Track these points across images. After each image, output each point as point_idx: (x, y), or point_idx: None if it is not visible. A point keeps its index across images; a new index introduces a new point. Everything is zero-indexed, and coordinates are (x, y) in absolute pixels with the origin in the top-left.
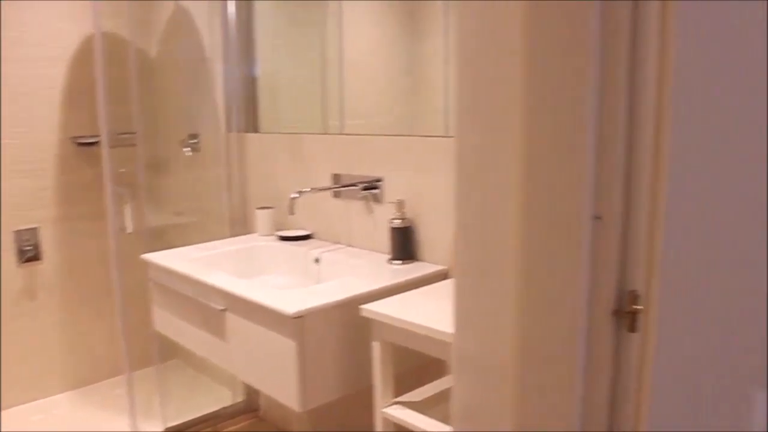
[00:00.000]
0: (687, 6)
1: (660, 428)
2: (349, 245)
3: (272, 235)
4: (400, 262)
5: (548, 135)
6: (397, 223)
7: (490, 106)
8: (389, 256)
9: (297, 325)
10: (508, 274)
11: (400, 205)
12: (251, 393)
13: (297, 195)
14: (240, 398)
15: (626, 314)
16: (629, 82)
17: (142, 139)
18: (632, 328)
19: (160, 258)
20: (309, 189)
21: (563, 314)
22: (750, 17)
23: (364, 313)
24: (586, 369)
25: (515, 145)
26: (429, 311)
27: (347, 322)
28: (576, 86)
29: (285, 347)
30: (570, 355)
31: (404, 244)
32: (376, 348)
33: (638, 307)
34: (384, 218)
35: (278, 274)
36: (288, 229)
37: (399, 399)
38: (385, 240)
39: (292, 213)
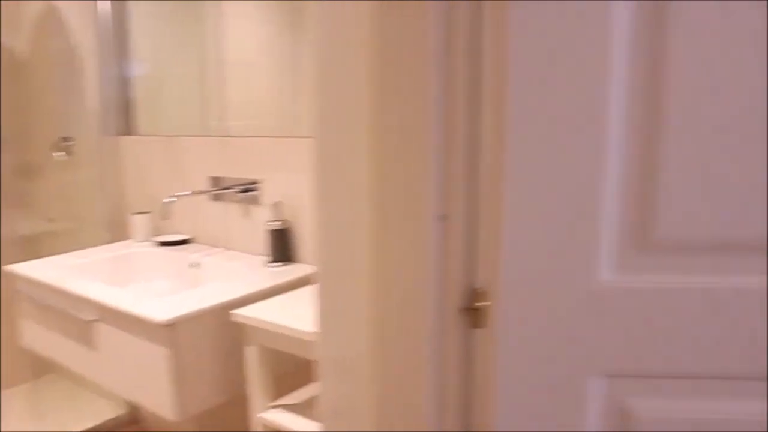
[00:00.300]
0: (521, 7)
1: (508, 418)
2: (229, 249)
3: (150, 240)
4: (279, 264)
5: (395, 138)
6: (275, 225)
7: (341, 108)
8: (268, 259)
9: (169, 332)
10: (362, 275)
11: (278, 206)
12: (133, 405)
13: (172, 199)
14: (122, 411)
15: (473, 311)
16: (470, 85)
17: (10, 143)
18: (479, 324)
19: (26, 269)
20: (187, 193)
21: (414, 313)
22: (585, 17)
23: (235, 318)
24: (437, 366)
25: (365, 147)
26: (303, 313)
27: (223, 326)
28: (420, 89)
29: (158, 356)
30: (422, 353)
31: (282, 246)
32: (251, 353)
33: (484, 303)
34: (263, 221)
35: (156, 281)
36: (167, 234)
37: (278, 402)
38: (264, 242)
39: (166, 218)
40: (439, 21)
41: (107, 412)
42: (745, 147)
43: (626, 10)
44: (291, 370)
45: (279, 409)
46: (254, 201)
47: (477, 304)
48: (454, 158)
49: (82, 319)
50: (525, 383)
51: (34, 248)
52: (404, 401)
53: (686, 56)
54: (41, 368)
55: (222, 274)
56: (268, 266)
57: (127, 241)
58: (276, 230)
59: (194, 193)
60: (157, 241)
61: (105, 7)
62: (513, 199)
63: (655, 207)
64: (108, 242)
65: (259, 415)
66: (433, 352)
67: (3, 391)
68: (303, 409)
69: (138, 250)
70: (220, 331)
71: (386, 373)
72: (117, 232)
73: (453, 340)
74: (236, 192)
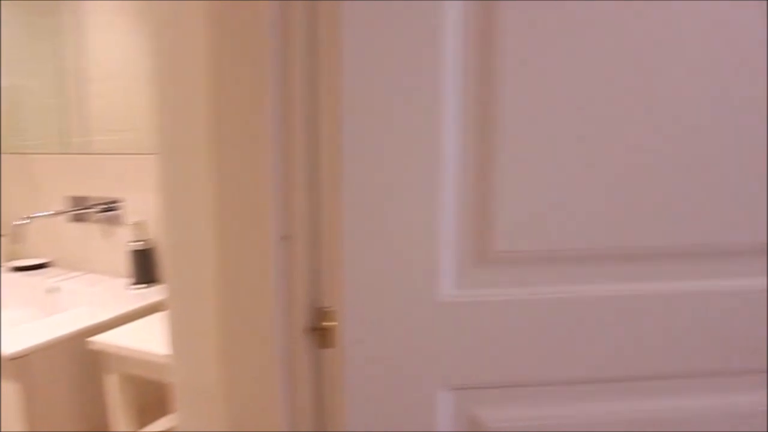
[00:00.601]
0: (353, 26)
1: None
2: (90, 272)
3: (3, 266)
4: (144, 285)
5: (235, 158)
6: (137, 245)
7: (180, 123)
8: (131, 281)
9: (18, 366)
10: (208, 297)
11: (141, 226)
12: None
13: (25, 221)
14: None
15: (320, 331)
16: (309, 99)
17: None
18: (327, 345)
19: None
20: (44, 214)
21: (261, 335)
22: (423, 24)
23: (93, 346)
24: (288, 388)
25: (206, 166)
26: (165, 336)
27: (81, 355)
28: (258, 106)
29: (7, 392)
30: (271, 376)
31: (145, 267)
32: (111, 381)
33: (329, 323)
34: (126, 241)
35: (9, 310)
36: (22, 258)
37: (143, 430)
38: (126, 264)
39: (18, 241)
40: (276, 47)
41: None
42: (579, 160)
43: (459, 13)
44: (156, 396)
45: None
46: (117, 221)
47: (323, 324)
48: (294, 177)
49: None
50: (373, 401)
51: None
52: (257, 425)
53: (519, 65)
54: None
55: (82, 299)
56: (131, 289)
57: None
58: (138, 251)
59: (52, 214)
60: (11, 267)
61: None
62: (352, 218)
63: (492, 222)
64: None
65: None
66: (282, 374)
67: None
68: None
69: None
70: (78, 360)
71: (238, 397)
72: None
73: (302, 361)
74: (98, 212)
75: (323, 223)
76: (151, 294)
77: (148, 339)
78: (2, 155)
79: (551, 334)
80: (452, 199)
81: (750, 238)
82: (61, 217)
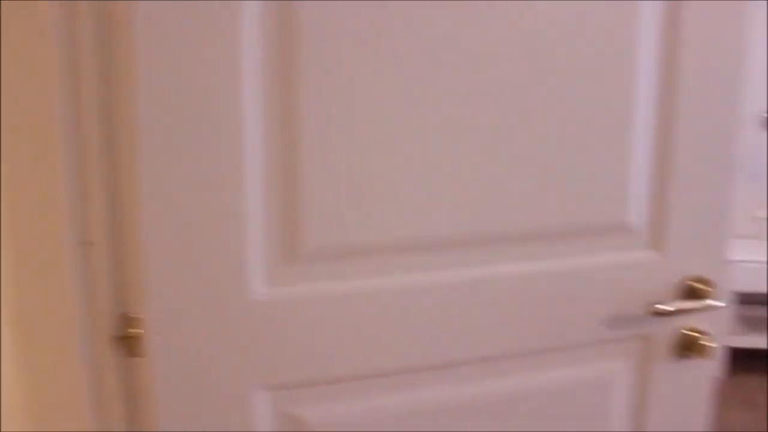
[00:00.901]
0: (149, 47)
1: None
2: None
3: None
4: None
5: (24, 164)
6: None
7: None
8: None
9: None
10: (6, 309)
11: None
12: None
13: None
14: None
15: (127, 339)
16: (102, 100)
17: None
18: (136, 353)
19: None
20: None
21: (63, 347)
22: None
23: None
24: (95, 402)
25: None
26: None
27: None
28: (47, 107)
29: None
30: (76, 389)
31: None
32: None
33: (136, 330)
34: None
35: None
36: None
37: None
38: None
39: None
40: (62, 33)
41: None
42: (383, 153)
43: (256, 17)
44: None
45: None
46: None
47: (131, 331)
48: (91, 181)
49: None
50: (186, 407)
51: None
52: None
53: (317, 63)
54: None
55: None
56: None
57: None
58: None
59: None
60: None
61: None
62: (152, 222)
63: (299, 219)
64: None
65: None
66: (89, 386)
67: None
68: None
69: None
70: None
71: (43, 414)
72: None
73: (110, 372)
74: None
75: (126, 228)
76: None
77: None
78: None
79: (366, 327)
80: (258, 199)
81: (555, 220)
82: None
